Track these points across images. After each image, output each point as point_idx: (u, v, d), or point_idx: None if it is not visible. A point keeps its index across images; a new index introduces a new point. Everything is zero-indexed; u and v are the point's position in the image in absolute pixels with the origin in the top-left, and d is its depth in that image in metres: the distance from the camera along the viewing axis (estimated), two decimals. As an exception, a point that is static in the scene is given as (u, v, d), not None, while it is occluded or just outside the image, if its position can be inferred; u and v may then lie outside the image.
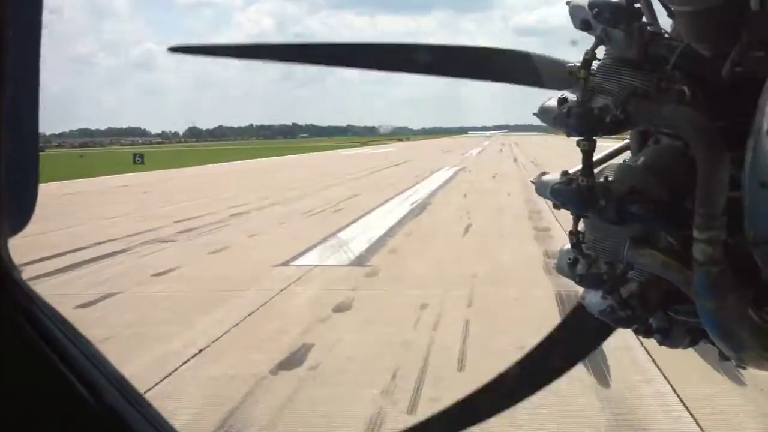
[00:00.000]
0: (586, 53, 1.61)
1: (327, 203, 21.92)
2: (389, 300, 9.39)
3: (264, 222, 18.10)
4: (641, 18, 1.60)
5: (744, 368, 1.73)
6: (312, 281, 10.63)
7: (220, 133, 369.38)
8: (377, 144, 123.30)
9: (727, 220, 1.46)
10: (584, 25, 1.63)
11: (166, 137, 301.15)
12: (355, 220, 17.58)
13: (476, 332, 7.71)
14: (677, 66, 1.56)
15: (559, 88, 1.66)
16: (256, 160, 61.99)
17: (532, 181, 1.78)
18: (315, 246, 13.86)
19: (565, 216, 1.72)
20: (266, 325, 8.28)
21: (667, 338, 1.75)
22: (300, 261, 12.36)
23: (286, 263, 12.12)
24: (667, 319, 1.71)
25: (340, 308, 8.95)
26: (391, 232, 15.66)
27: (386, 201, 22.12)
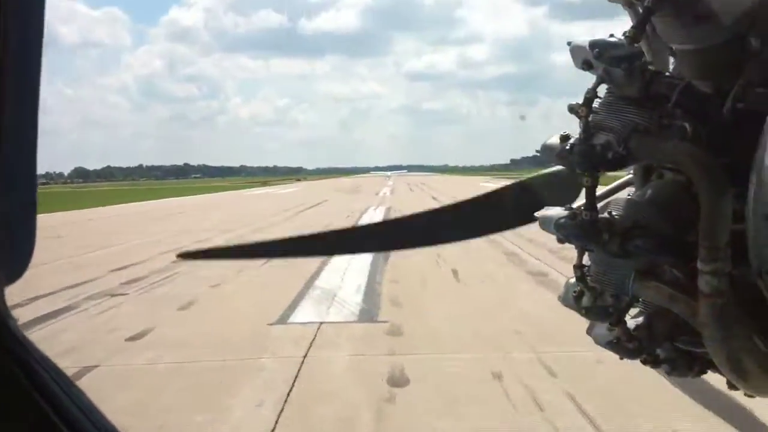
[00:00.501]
0: (588, 92, 1.64)
1: (274, 247, 20.01)
2: (446, 368, 7.79)
3: (217, 269, 16.11)
4: (642, 57, 1.64)
5: (752, 397, 1.69)
6: (332, 344, 8.90)
7: (108, 174, 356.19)
8: (276, 184, 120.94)
9: (731, 252, 1.49)
10: (585, 65, 1.66)
11: (50, 178, 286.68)
12: (323, 266, 15.87)
13: (596, 412, 6.24)
14: (679, 103, 1.60)
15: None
16: (159, 200, 58.63)
17: (535, 215, 1.77)
18: (301, 298, 12.10)
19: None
20: (320, 408, 6.54)
21: (675, 369, 1.77)
22: (297, 317, 10.60)
23: (283, 321, 10.33)
24: (674, 349, 1.73)
25: (395, 381, 7.30)
26: (374, 279, 14.09)
27: (340, 244, 20.46)
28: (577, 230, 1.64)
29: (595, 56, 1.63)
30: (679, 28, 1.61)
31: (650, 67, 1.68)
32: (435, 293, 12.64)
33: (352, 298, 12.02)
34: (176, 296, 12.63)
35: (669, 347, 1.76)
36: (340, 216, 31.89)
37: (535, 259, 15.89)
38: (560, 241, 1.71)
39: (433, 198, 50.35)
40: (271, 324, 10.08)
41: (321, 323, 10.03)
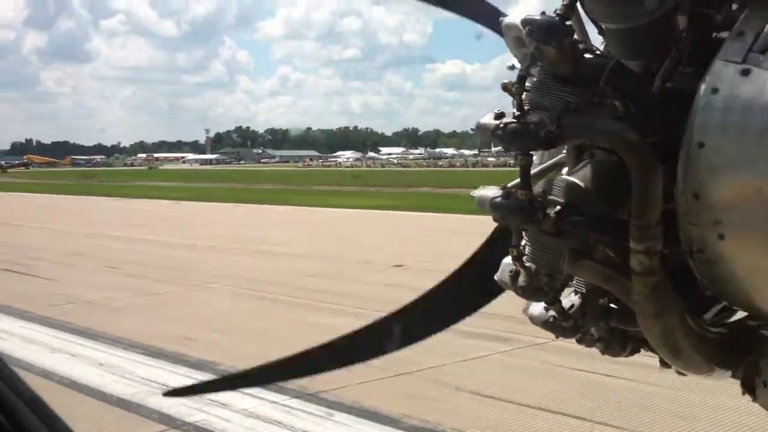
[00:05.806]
0: (521, 70, 1.63)
1: None
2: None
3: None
4: (573, 35, 1.59)
5: (684, 375, 1.74)
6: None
7: None
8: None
9: (663, 231, 1.49)
10: (518, 42, 1.68)
11: None
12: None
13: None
14: (609, 82, 1.58)
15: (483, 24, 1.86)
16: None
17: (471, 194, 1.72)
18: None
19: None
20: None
21: (609, 348, 1.79)
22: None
23: None
24: (608, 329, 1.76)
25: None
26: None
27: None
28: (513, 210, 1.60)
29: (527, 34, 1.59)
30: (607, 6, 1.60)
31: (581, 45, 1.64)
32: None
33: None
34: None
35: (603, 326, 1.76)
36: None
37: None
38: (496, 220, 1.67)
39: None
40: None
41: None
